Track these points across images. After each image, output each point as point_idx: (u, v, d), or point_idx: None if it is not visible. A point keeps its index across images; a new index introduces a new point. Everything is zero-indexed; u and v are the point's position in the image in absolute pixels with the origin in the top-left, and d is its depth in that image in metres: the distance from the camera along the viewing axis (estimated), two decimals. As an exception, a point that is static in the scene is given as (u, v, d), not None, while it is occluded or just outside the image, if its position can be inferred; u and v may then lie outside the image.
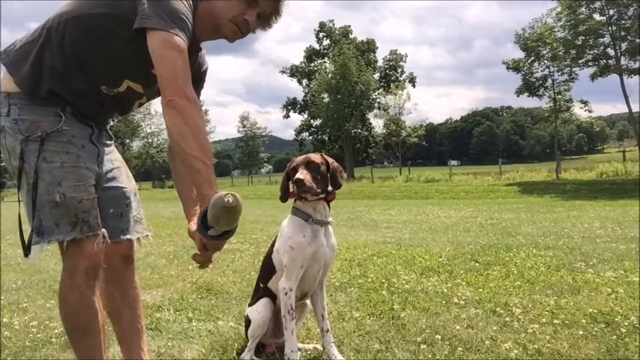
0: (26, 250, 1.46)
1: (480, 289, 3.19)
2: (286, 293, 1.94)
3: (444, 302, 2.91)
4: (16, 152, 1.46)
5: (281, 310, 1.97)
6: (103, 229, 1.53)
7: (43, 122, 1.46)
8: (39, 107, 1.47)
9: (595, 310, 2.63)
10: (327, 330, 2.08)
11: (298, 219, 1.95)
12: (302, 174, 1.84)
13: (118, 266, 1.70)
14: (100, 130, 1.64)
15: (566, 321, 2.48)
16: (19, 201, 1.50)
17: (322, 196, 1.91)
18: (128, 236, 1.69)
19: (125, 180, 1.72)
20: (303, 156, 1.96)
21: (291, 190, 1.93)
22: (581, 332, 2.31)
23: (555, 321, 2.48)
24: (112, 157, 1.71)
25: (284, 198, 1.98)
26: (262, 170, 54.90)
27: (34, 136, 1.45)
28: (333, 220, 2.03)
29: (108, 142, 1.70)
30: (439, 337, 2.29)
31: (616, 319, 2.47)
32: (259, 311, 2.07)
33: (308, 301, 2.17)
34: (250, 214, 10.62)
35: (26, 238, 1.47)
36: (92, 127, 1.60)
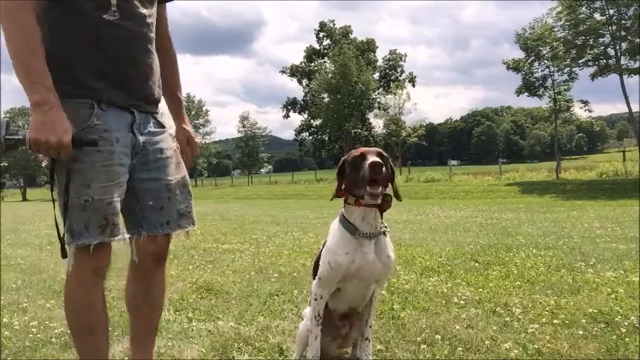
0: (63, 251, 1.43)
1: (480, 289, 3.19)
2: (316, 299, 1.77)
3: (444, 302, 2.91)
4: None
5: (309, 312, 1.82)
6: (127, 234, 1.50)
7: (75, 119, 1.38)
8: (71, 100, 1.40)
9: (595, 310, 2.63)
10: (367, 338, 1.87)
11: (344, 231, 1.70)
12: (377, 159, 1.56)
13: (147, 266, 1.64)
14: (145, 116, 1.57)
15: (566, 321, 2.48)
16: (53, 200, 1.46)
17: (379, 201, 1.62)
18: (167, 231, 1.60)
19: (172, 172, 1.62)
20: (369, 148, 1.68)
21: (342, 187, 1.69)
22: (581, 332, 2.31)
23: (555, 321, 2.48)
24: (162, 146, 1.61)
25: (336, 194, 1.72)
26: (262, 170, 54.81)
27: None
28: (388, 229, 1.74)
29: (154, 129, 1.61)
30: (439, 337, 2.29)
31: (616, 319, 2.47)
32: (304, 319, 1.94)
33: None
34: (250, 214, 10.62)
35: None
36: (133, 115, 1.52)
